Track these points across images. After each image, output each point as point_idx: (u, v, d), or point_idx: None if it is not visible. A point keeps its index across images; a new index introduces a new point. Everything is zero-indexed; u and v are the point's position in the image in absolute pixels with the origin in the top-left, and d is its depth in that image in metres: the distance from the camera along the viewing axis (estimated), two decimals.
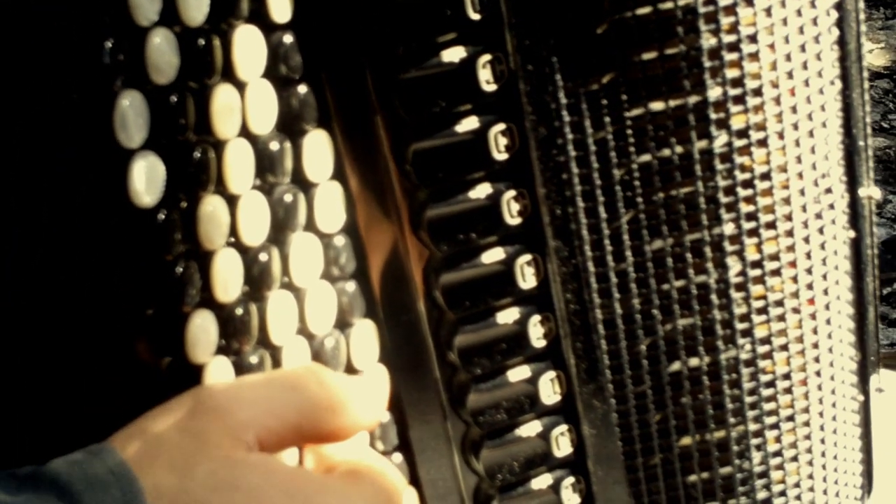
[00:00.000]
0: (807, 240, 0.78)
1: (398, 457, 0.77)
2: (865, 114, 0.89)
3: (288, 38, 0.67)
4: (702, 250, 0.76)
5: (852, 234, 0.82)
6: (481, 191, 0.72)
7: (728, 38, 0.73)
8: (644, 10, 0.70)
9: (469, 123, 0.70)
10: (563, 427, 0.78)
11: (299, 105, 0.68)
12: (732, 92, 0.73)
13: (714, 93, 0.73)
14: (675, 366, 0.78)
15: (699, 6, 0.71)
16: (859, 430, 0.88)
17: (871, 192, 0.90)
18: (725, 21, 0.71)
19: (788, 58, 0.75)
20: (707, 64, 0.73)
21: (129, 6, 0.60)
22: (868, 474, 0.92)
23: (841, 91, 0.78)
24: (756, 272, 0.77)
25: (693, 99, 0.73)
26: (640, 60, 0.72)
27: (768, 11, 0.72)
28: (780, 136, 0.75)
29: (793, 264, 0.78)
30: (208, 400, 0.63)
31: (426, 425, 0.78)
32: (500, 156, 0.71)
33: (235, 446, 0.62)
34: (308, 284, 0.70)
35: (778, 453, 0.83)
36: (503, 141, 0.71)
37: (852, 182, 0.83)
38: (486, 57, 0.70)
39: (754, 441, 0.82)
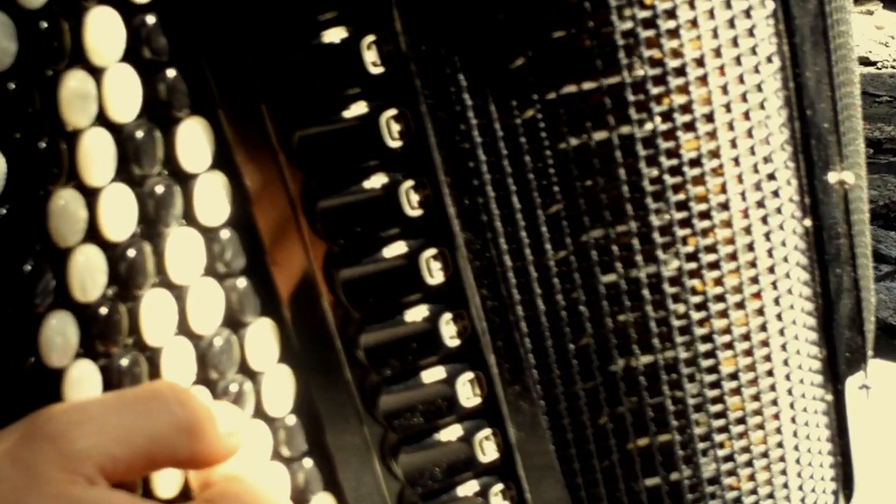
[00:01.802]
0: (748, 230, 0.69)
1: (309, 462, 0.70)
2: (837, 93, 0.79)
3: (150, 20, 0.60)
4: (630, 243, 0.68)
5: (808, 222, 0.73)
6: (376, 181, 0.65)
7: (643, 14, 0.63)
8: None
9: (357, 108, 0.63)
10: (487, 431, 0.70)
11: (168, 91, 0.61)
12: (652, 72, 0.65)
13: (636, 73, 0.64)
14: (609, 366, 0.69)
15: None
16: (828, 431, 0.79)
17: (843, 176, 0.80)
18: None
19: (715, 33, 0.66)
20: (621, 42, 0.64)
21: None
22: (846, 477, 0.82)
23: (782, 69, 0.69)
24: (692, 265, 0.69)
25: (611, 80, 0.65)
26: (555, 39, 0.63)
27: None
28: (709, 118, 0.66)
29: (732, 256, 0.70)
30: (45, 425, 0.54)
31: (343, 429, 0.71)
32: (395, 143, 0.64)
33: (71, 481, 0.54)
34: (189, 281, 0.63)
35: (730, 458, 0.74)
36: (396, 127, 0.64)
37: (810, 167, 0.73)
38: (371, 37, 0.62)
39: (701, 445, 0.73)
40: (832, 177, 0.79)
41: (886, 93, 3.85)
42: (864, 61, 4.23)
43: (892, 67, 4.15)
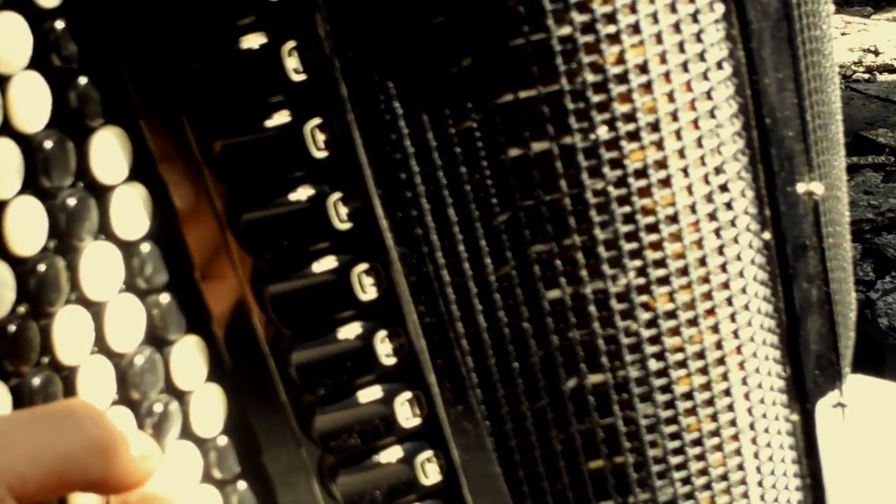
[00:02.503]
0: (699, 244, 0.65)
1: (243, 484, 0.67)
2: (807, 101, 0.75)
3: (59, 25, 0.56)
4: (574, 258, 0.64)
5: (767, 235, 0.68)
6: (302, 193, 0.61)
7: (581, 18, 0.60)
8: None
9: (279, 117, 0.59)
10: (429, 452, 0.67)
11: (79, 100, 0.57)
12: (593, 79, 0.61)
13: (576, 80, 0.60)
14: (556, 385, 0.66)
15: None
16: (794, 452, 0.75)
17: (811, 187, 0.76)
18: None
19: (659, 38, 0.62)
20: (558, 48, 0.60)
21: None
22: (816, 499, 0.78)
23: (736, 76, 0.65)
24: (640, 281, 0.65)
25: (549, 88, 0.61)
26: (489, 46, 0.60)
27: None
28: (655, 127, 0.62)
29: (684, 271, 0.65)
30: None
31: (280, 450, 0.67)
32: (320, 153, 0.60)
33: None
34: (107, 297, 0.59)
35: (687, 480, 0.71)
36: (321, 136, 0.60)
37: (771, 177, 0.69)
38: (292, 43, 0.58)
39: (657, 467, 0.70)
40: (800, 187, 0.75)
41: None
42: (888, 68, 4.17)
43: None
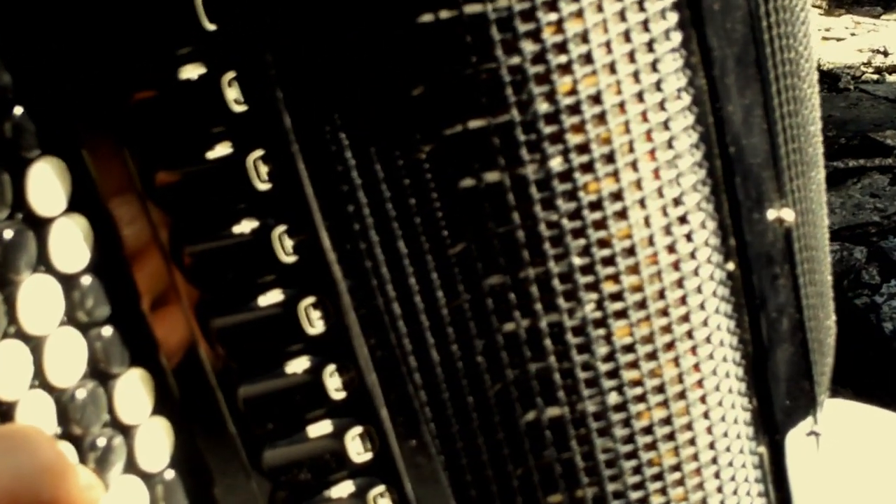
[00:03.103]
0: (657, 276, 0.63)
1: None
2: (779, 125, 0.73)
3: None
4: (528, 291, 0.62)
5: (731, 266, 0.66)
6: (245, 225, 0.59)
7: (532, 48, 0.58)
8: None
9: (221, 149, 0.58)
10: (381, 487, 0.65)
11: (14, 130, 0.56)
12: (545, 110, 0.59)
13: (527, 111, 0.58)
14: (512, 419, 0.64)
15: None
16: (760, 485, 0.73)
17: (782, 214, 0.74)
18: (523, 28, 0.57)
19: (612, 69, 0.60)
20: (507, 78, 0.58)
21: None
22: None
23: (697, 104, 0.63)
24: (597, 314, 0.63)
25: (500, 119, 0.59)
26: (437, 76, 0.58)
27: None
28: (610, 159, 0.60)
29: (641, 305, 0.63)
30: None
31: (231, 484, 0.66)
32: (264, 185, 0.59)
33: None
34: (46, 331, 0.58)
35: None
36: (265, 168, 0.58)
37: (735, 207, 0.67)
38: (231, 74, 0.56)
39: (616, 502, 0.67)
40: (770, 214, 0.73)
41: None
42: None
43: None
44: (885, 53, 4.34)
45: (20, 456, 0.55)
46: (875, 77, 4.13)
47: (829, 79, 4.05)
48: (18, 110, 0.58)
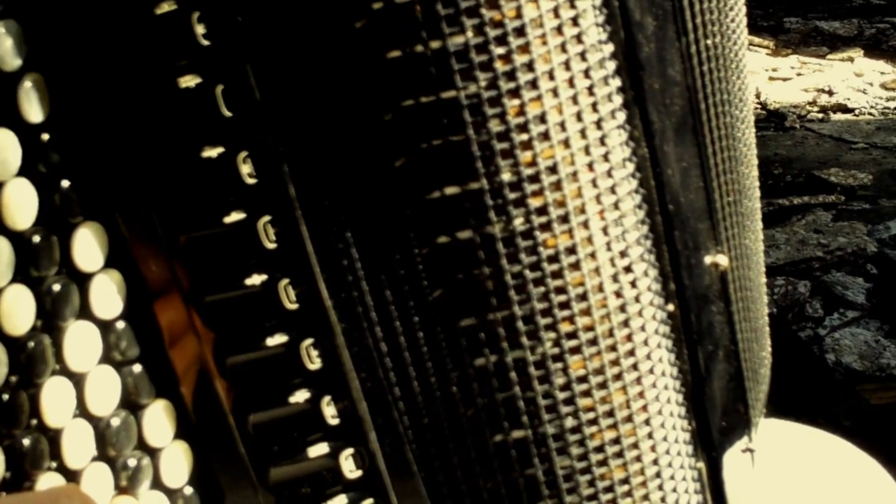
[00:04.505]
0: (607, 318, 0.74)
1: None
2: (716, 181, 0.84)
3: (45, 137, 0.65)
4: (496, 331, 0.72)
5: (671, 307, 0.77)
6: (256, 278, 0.70)
7: (498, 128, 0.69)
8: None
9: (236, 215, 0.68)
10: (370, 500, 0.77)
11: (62, 200, 0.66)
12: (509, 178, 0.70)
13: (495, 180, 0.69)
14: (482, 441, 0.75)
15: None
16: (700, 496, 0.83)
17: (717, 259, 0.85)
18: (491, 111, 0.69)
19: (567, 144, 0.71)
20: (478, 153, 0.69)
21: None
22: None
23: (639, 170, 0.74)
24: (555, 350, 0.74)
25: (472, 186, 0.70)
26: (421, 148, 0.68)
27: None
28: (565, 219, 0.71)
29: (593, 342, 0.74)
30: None
31: (241, 498, 0.76)
32: (271, 245, 0.70)
33: None
34: (86, 369, 0.68)
35: None
36: (272, 230, 0.69)
37: (675, 256, 0.78)
38: (245, 153, 0.67)
39: None
40: (707, 260, 0.84)
41: (862, 139, 3.87)
42: (842, 108, 4.24)
43: (869, 115, 4.17)
44: (830, 93, 4.43)
45: None
46: (820, 116, 4.21)
47: (776, 118, 4.14)
48: (65, 183, 0.68)
